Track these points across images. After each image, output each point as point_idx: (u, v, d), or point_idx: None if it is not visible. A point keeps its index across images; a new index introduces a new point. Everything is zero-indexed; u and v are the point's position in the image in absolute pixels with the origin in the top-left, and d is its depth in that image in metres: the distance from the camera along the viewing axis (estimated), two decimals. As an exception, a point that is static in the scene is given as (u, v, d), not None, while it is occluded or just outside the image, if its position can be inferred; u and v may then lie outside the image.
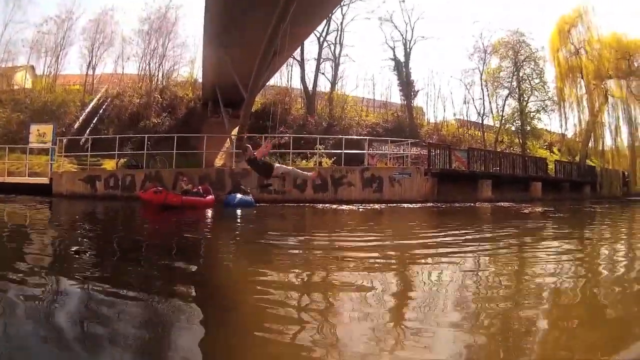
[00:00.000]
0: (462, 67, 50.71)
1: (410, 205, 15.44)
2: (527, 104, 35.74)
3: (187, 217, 10.77)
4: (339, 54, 36.52)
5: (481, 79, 38.26)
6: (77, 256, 4.97)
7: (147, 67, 32.63)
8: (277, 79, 32.87)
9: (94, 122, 27.41)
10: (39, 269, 4.08)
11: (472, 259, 5.03)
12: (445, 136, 35.49)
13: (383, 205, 15.20)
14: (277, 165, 9.58)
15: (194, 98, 30.59)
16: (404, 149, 22.50)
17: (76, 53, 53.67)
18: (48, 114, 26.07)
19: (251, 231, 8.76)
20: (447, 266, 4.51)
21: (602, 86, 29.36)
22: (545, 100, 35.72)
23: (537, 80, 35.84)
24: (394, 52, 38.29)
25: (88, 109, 28.31)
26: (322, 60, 35.63)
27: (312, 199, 16.08)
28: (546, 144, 39.06)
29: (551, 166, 28.04)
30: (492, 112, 38.03)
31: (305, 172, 11.43)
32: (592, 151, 31.16)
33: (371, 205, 15.23)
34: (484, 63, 38.13)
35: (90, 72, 33.03)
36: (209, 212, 12.30)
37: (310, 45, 34.98)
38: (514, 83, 35.86)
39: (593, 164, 31.00)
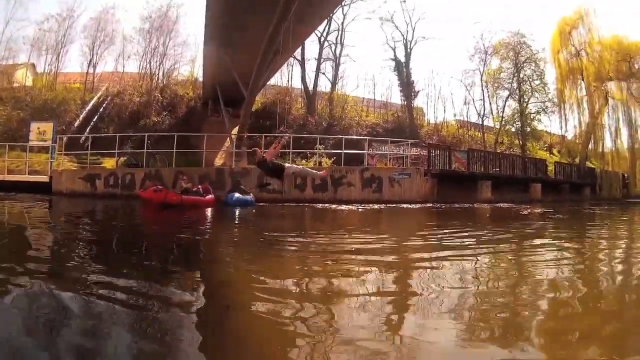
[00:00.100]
0: (463, 67, 50.79)
1: (409, 206, 15.45)
2: (527, 105, 35.70)
3: (186, 216, 10.78)
4: (340, 54, 36.61)
5: (481, 80, 38.29)
6: (75, 255, 4.98)
7: (148, 66, 32.66)
8: (278, 79, 32.99)
9: (94, 120, 27.42)
10: (37, 266, 4.08)
11: (471, 261, 5.01)
12: (445, 137, 35.50)
13: (382, 206, 15.20)
14: (287, 165, 9.54)
15: (195, 97, 30.62)
16: (403, 150, 22.52)
17: (77, 51, 53.88)
18: (48, 112, 26.02)
19: (250, 231, 8.76)
20: (446, 268, 4.49)
21: (603, 88, 29.31)
22: (545, 101, 35.73)
23: (537, 82, 35.83)
24: (394, 52, 38.38)
25: (88, 107, 28.31)
26: (322, 60, 35.69)
27: (311, 198, 16.08)
28: (546, 145, 39.10)
29: (551, 168, 28.03)
30: (492, 113, 38.08)
31: (316, 171, 11.32)
32: (592, 153, 31.12)
33: (370, 205, 15.24)
34: (484, 64, 38.20)
35: (91, 70, 33.11)
36: (209, 212, 12.31)
37: (311, 45, 35.08)
38: (515, 84, 35.83)
39: (593, 166, 30.98)
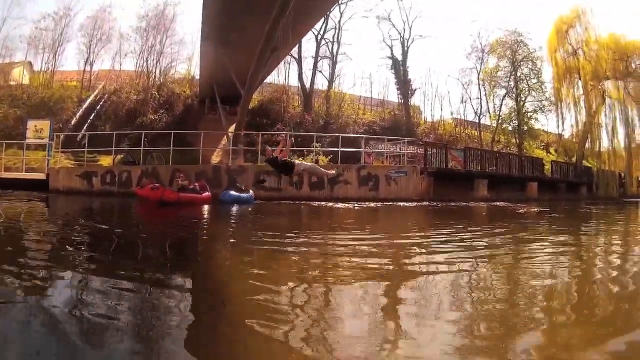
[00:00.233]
0: (460, 66, 50.64)
1: (406, 204, 15.47)
2: (524, 104, 35.84)
3: (183, 214, 10.79)
4: (337, 52, 36.53)
5: (478, 78, 38.33)
6: (71, 253, 5.00)
7: (145, 64, 32.53)
8: (275, 77, 32.87)
9: (91, 118, 27.34)
10: (35, 264, 4.11)
11: (468, 261, 4.97)
12: (442, 135, 35.45)
13: (379, 204, 15.22)
14: (297, 162, 9.57)
15: (191, 95, 30.56)
16: (400, 148, 22.50)
17: (74, 49, 53.28)
18: (45, 110, 26.02)
19: (246, 228, 8.79)
20: (442, 268, 4.51)
21: (600, 87, 29.40)
22: (542, 100, 35.85)
23: (534, 81, 35.96)
24: (391, 50, 38.32)
25: (85, 105, 28.24)
26: (319, 58, 35.61)
27: (308, 196, 16.09)
28: (543, 144, 39.18)
29: (548, 166, 28.14)
30: (489, 112, 38.10)
31: (325, 170, 11.23)
32: (589, 152, 31.25)
33: (367, 203, 15.26)
34: (481, 62, 38.23)
35: (88, 68, 33.00)
36: (205, 209, 12.33)
37: (308, 43, 34.91)
38: (512, 83, 35.95)
39: (589, 165, 31.10)
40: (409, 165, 19.17)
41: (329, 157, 21.93)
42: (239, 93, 18.98)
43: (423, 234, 7.87)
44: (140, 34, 33.22)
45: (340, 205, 14.32)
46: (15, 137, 21.62)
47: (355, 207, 13.74)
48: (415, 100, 39.41)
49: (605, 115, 29.95)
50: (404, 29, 37.77)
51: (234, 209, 12.48)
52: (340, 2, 32.34)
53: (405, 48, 37.82)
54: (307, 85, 34.40)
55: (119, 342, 2.29)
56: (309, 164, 10.95)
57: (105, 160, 20.34)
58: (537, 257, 5.39)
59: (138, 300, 3.08)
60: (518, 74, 35.79)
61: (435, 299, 3.34)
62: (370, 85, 48.63)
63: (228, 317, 2.83)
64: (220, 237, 7.12)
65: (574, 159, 31.47)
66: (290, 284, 3.74)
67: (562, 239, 7.84)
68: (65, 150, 20.38)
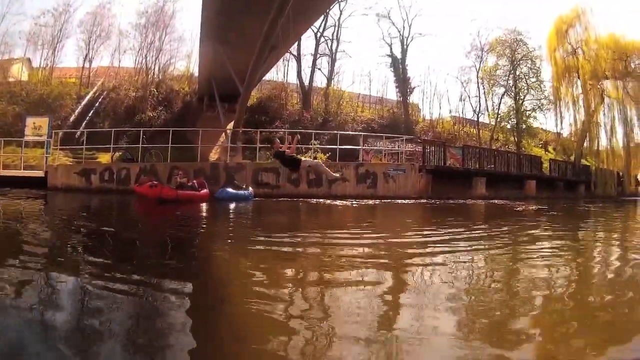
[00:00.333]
0: (459, 64, 50.62)
1: (404, 202, 15.50)
2: (523, 102, 35.82)
3: (181, 211, 10.80)
4: (336, 50, 36.41)
5: (477, 76, 38.26)
6: (70, 251, 5.01)
7: (144, 61, 32.41)
8: (274, 74, 32.82)
9: (89, 115, 27.31)
10: (34, 262, 4.11)
11: (465, 259, 5.00)
12: (441, 133, 35.44)
13: (377, 201, 15.25)
14: (304, 159, 9.65)
15: (190, 92, 30.51)
16: (398, 146, 22.53)
17: (73, 46, 53.67)
18: (44, 106, 26.00)
19: (244, 226, 8.81)
20: (440, 266, 4.49)
21: (599, 86, 29.42)
22: (541, 99, 35.85)
23: (533, 79, 35.93)
24: (390, 48, 38.26)
25: (84, 102, 28.20)
26: (318, 55, 35.53)
27: (306, 193, 16.12)
28: (541, 142, 39.17)
29: (546, 165, 28.17)
30: (487, 110, 38.01)
31: (330, 171, 10.97)
32: (587, 151, 31.29)
33: (365, 200, 15.29)
34: (480, 61, 38.14)
35: (87, 65, 32.86)
36: (204, 206, 12.34)
37: (307, 40, 34.82)
38: (510, 81, 35.93)
39: (588, 164, 31.12)
40: (407, 163, 19.22)
41: (328, 155, 21.93)
42: (238, 90, 18.99)
43: (421, 231, 7.87)
44: (139, 30, 33.15)
45: (338, 202, 14.35)
46: (13, 134, 21.58)
47: (354, 205, 13.76)
48: (414, 98, 39.46)
49: (604, 114, 30.06)
50: (404, 27, 37.78)
51: (232, 206, 12.49)
52: (339, 0, 32.32)
53: (405, 46, 37.82)
54: (306, 82, 34.37)
55: (118, 341, 2.30)
56: (314, 161, 11.08)
57: (104, 158, 20.31)
58: (534, 254, 5.41)
59: (136, 300, 3.08)
60: (517, 73, 35.79)
61: (435, 299, 3.35)
62: (369, 83, 48.51)
63: (228, 316, 2.84)
64: (219, 235, 7.14)
65: (572, 158, 31.52)
66: (290, 283, 3.76)
67: (559, 234, 7.89)
68: (64, 147, 20.39)
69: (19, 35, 32.90)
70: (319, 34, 34.81)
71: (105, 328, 2.46)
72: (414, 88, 38.62)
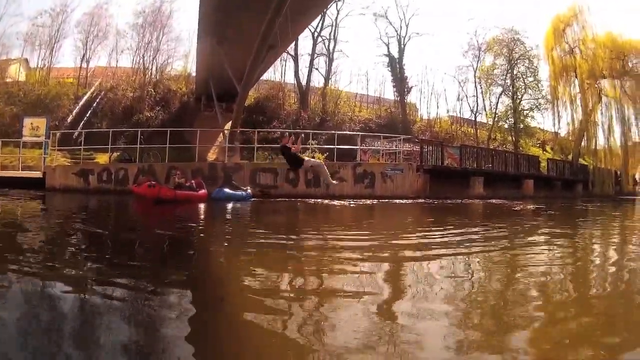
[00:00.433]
0: (456, 64, 50.62)
1: (402, 201, 15.52)
2: (520, 102, 35.86)
3: (179, 211, 10.81)
4: (333, 50, 36.36)
5: (475, 76, 38.31)
6: (68, 251, 5.02)
7: (141, 61, 32.42)
8: (271, 74, 32.87)
9: (87, 115, 27.29)
10: (33, 261, 4.13)
11: (463, 259, 4.98)
12: (438, 133, 35.47)
13: (375, 201, 15.27)
14: (306, 159, 9.79)
15: (188, 92, 30.49)
16: (396, 145, 22.53)
17: (70, 46, 53.59)
18: (41, 107, 25.98)
19: (242, 226, 8.81)
20: (438, 266, 4.49)
21: (596, 86, 29.45)
22: (538, 98, 35.86)
23: (531, 79, 35.99)
24: (388, 48, 38.20)
25: (81, 103, 28.18)
26: (316, 55, 35.51)
27: (304, 193, 16.13)
28: (539, 142, 39.20)
29: (544, 164, 28.20)
30: (485, 110, 38.07)
31: (329, 175, 10.88)
32: (585, 150, 31.34)
33: (363, 200, 15.30)
34: (478, 60, 38.19)
35: (84, 65, 32.85)
36: (202, 206, 12.34)
37: (305, 40, 34.79)
38: (508, 81, 35.96)
39: (586, 163, 31.19)
40: (405, 162, 19.23)
41: (325, 155, 21.92)
42: (235, 90, 18.98)
43: (419, 230, 7.90)
44: (136, 30, 33.19)
45: (336, 202, 14.36)
46: (11, 135, 21.59)
47: (351, 205, 13.77)
48: (411, 97, 39.45)
49: (602, 113, 30.10)
50: (401, 27, 37.74)
51: (230, 206, 12.50)
52: (337, 0, 32.33)
53: (402, 45, 37.80)
54: (304, 82, 34.32)
55: (117, 340, 2.30)
56: (317, 161, 11.12)
57: (102, 158, 20.31)
58: (532, 253, 5.43)
59: (135, 301, 3.09)
60: (514, 72, 35.78)
61: (434, 299, 3.36)
62: (366, 83, 48.35)
63: (227, 315, 2.85)
64: (218, 235, 7.15)
65: (570, 157, 31.59)
66: (288, 282, 3.77)
67: (557, 233, 7.91)
68: (62, 148, 20.38)
69: (17, 36, 32.99)
70: (316, 34, 34.82)
71: (103, 328, 2.47)
72: (411, 88, 38.65)
